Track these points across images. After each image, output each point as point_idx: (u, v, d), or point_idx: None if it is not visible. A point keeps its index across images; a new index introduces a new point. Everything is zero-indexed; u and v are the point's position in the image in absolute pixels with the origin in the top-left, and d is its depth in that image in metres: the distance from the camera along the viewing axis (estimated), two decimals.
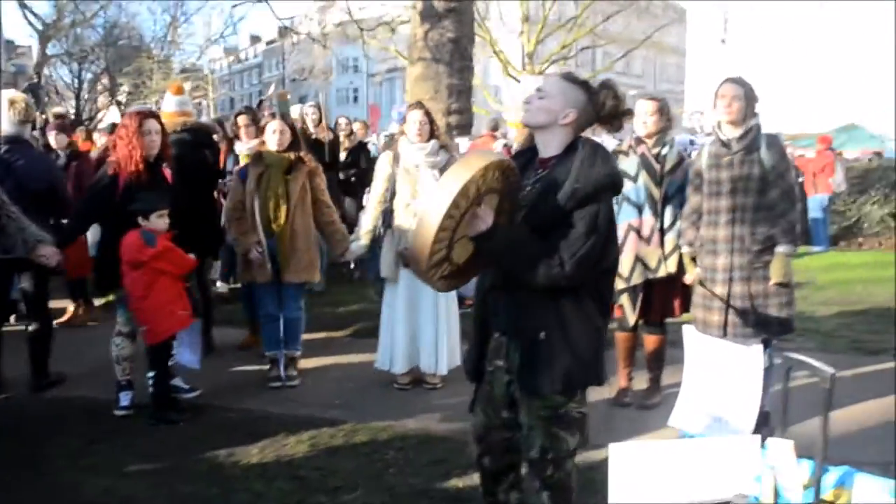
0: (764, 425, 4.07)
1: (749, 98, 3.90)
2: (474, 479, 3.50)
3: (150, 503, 3.28)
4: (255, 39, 57.79)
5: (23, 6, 23.14)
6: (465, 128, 8.76)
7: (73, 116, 21.10)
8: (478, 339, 2.66)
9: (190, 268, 4.27)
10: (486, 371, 2.64)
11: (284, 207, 4.59)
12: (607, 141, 4.53)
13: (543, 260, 2.30)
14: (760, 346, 3.97)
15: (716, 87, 3.97)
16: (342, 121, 8.46)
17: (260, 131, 5.26)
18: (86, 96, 31.39)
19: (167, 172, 4.48)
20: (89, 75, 32.03)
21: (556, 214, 2.33)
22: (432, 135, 4.69)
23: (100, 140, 7.66)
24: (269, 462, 3.68)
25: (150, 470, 3.60)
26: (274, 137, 4.64)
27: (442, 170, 4.65)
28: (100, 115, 8.70)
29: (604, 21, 24.58)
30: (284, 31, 40.95)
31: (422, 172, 4.64)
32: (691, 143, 11.48)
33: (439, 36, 8.80)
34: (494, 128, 8.95)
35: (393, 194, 4.69)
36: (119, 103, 17.52)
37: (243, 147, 5.76)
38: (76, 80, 31.78)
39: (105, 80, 31.19)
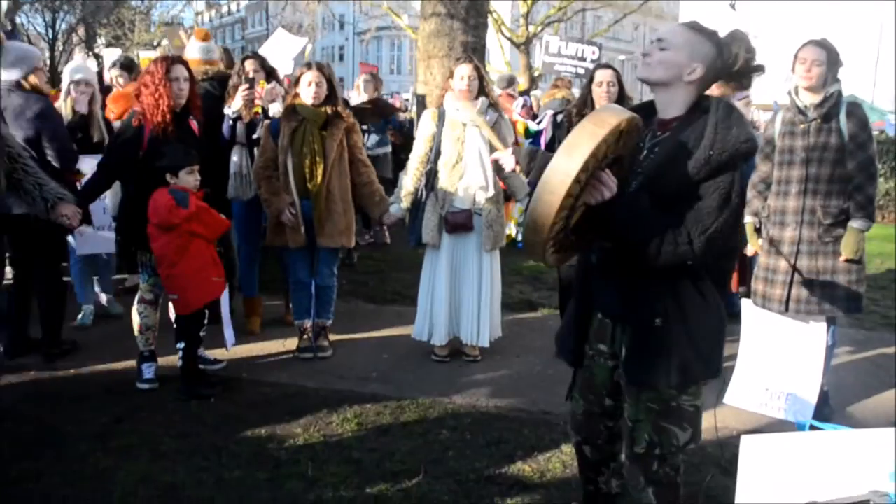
0: (824, 404, 3.90)
1: (831, 63, 3.68)
2: (540, 462, 3.30)
3: (195, 491, 2.95)
4: None
5: None
6: None
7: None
8: (578, 319, 2.39)
9: (224, 230, 3.91)
10: (587, 355, 2.39)
11: (321, 166, 4.20)
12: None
13: (670, 235, 2.01)
14: (824, 324, 3.79)
15: (795, 50, 3.73)
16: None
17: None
18: (61, 47, 30.24)
19: (194, 125, 4.07)
20: (64, 25, 30.80)
21: (683, 183, 2.04)
22: (481, 91, 4.34)
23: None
24: (317, 443, 3.39)
25: (188, 450, 3.27)
26: (309, 90, 4.21)
27: (492, 129, 4.34)
28: None
29: None
30: None
31: (469, 132, 4.30)
32: None
33: None
34: (509, 85, 8.52)
35: (437, 154, 4.35)
36: (97, 56, 16.69)
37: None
38: (50, 30, 30.58)
39: (81, 31, 30.02)
